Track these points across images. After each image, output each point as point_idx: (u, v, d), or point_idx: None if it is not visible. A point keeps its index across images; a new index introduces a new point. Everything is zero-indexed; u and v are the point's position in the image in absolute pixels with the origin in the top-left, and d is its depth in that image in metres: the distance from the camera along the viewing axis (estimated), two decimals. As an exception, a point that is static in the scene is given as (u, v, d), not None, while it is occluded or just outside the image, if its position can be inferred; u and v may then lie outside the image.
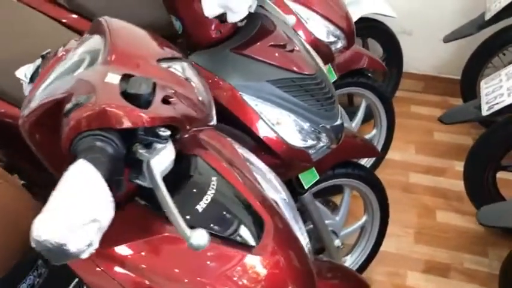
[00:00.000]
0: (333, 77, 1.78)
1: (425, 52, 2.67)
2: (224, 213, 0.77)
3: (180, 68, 0.72)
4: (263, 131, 1.13)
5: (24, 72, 0.87)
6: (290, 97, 1.15)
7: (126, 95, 0.57)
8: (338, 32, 1.62)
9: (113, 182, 0.54)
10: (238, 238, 0.73)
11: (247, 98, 1.10)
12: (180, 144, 0.84)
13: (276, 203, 0.91)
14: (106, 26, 0.67)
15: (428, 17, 2.55)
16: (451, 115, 1.69)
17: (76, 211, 0.48)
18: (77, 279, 0.93)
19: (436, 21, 2.52)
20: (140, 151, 0.59)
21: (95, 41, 0.68)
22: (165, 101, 0.60)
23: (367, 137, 2.14)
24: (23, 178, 1.22)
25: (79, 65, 0.67)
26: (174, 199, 0.77)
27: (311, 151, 1.22)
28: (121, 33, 0.67)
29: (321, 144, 1.24)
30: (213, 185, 0.78)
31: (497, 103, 1.52)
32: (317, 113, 1.19)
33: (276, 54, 1.15)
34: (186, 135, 0.74)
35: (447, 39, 2.18)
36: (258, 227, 0.81)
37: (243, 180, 0.84)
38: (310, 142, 1.20)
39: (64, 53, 0.76)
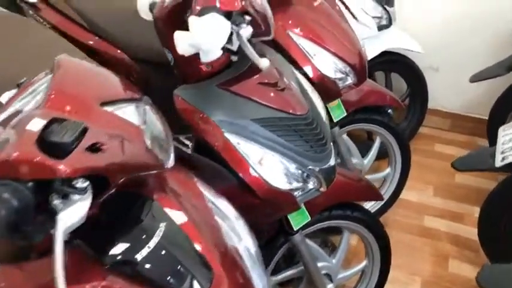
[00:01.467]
0: (341, 112, 1.73)
1: (453, 89, 2.57)
2: (168, 263, 0.74)
3: (132, 111, 0.71)
4: (244, 171, 1.09)
5: (7, 97, 0.89)
6: (276, 137, 1.11)
7: (45, 143, 0.55)
8: (347, 69, 1.56)
9: (17, 232, 0.52)
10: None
11: (229, 135, 1.07)
12: (137, 184, 0.82)
13: (237, 251, 0.87)
14: (56, 65, 0.67)
15: (457, 54, 2.46)
16: (464, 161, 1.60)
17: None
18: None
19: (465, 58, 2.43)
20: (55, 202, 0.57)
21: (47, 80, 0.68)
22: (94, 148, 0.59)
23: (380, 175, 2.07)
24: None
25: (29, 103, 0.67)
26: (117, 243, 0.74)
27: (297, 193, 1.17)
28: (69, 73, 0.66)
29: (309, 186, 1.19)
30: (160, 231, 0.76)
31: (511, 154, 1.42)
32: (305, 154, 1.15)
33: (264, 93, 1.12)
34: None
35: (473, 79, 2.08)
36: (208, 279, 0.77)
37: (198, 228, 0.81)
38: (295, 184, 1.15)
39: (29, 86, 0.76)
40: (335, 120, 1.72)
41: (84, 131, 0.58)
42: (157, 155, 0.72)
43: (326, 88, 1.55)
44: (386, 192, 2.06)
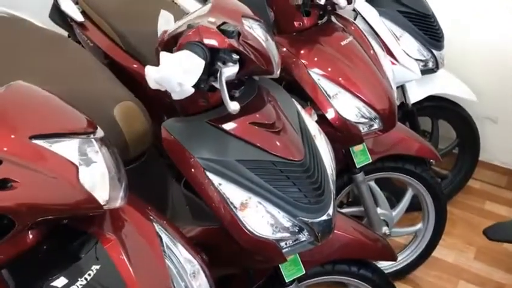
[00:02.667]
0: (366, 158, 1.62)
1: (513, 144, 2.33)
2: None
3: (73, 146, 0.68)
4: (223, 215, 1.03)
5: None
6: (262, 182, 1.04)
7: None
8: (372, 114, 1.46)
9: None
10: None
11: (211, 175, 1.02)
12: (85, 220, 0.80)
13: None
14: (6, 88, 0.66)
15: (519, 106, 2.23)
16: (497, 230, 1.42)
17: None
18: None
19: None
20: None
21: None
22: (2, 185, 0.56)
23: (410, 229, 1.90)
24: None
25: None
26: (42, 279, 0.72)
27: (283, 244, 1.09)
28: (10, 99, 0.65)
29: (300, 238, 1.10)
30: (89, 274, 0.72)
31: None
32: (296, 204, 1.06)
33: (256, 133, 1.06)
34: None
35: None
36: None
37: (137, 272, 0.76)
38: (281, 235, 1.07)
39: None
40: (358, 166, 1.61)
41: None
42: (93, 194, 0.69)
43: (346, 132, 1.46)
44: (416, 249, 1.89)
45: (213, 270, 1.31)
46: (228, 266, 1.33)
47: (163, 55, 0.84)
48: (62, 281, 0.71)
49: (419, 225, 1.87)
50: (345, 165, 1.65)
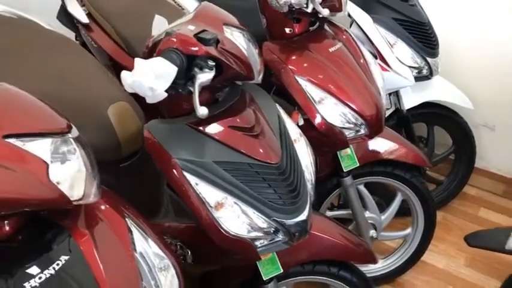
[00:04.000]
0: (353, 163, 1.66)
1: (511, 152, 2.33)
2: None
3: (45, 145, 0.74)
4: (200, 213, 1.08)
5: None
6: (238, 183, 1.08)
7: None
8: (358, 119, 1.49)
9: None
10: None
11: (188, 175, 1.07)
12: (60, 214, 0.85)
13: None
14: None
15: (517, 114, 2.23)
16: (477, 237, 1.44)
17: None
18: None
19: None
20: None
21: None
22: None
23: (399, 234, 1.93)
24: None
25: None
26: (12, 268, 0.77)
27: (258, 243, 1.13)
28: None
29: (275, 238, 1.15)
30: (58, 264, 0.78)
31: (525, 238, 1.26)
32: (270, 204, 1.11)
33: (234, 136, 1.11)
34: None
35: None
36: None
37: (106, 266, 0.81)
38: (255, 234, 1.11)
39: None
40: (345, 170, 1.64)
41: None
42: (62, 190, 0.74)
43: (332, 137, 1.50)
44: (405, 254, 1.91)
45: (195, 267, 1.37)
46: (209, 263, 1.38)
47: (137, 61, 0.90)
48: (34, 269, 0.77)
49: (408, 230, 1.90)
50: (334, 168, 1.69)
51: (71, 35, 2.15)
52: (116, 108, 1.46)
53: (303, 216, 1.16)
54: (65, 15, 2.15)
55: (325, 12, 1.40)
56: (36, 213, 0.83)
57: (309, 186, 1.24)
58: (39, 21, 1.92)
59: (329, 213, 1.86)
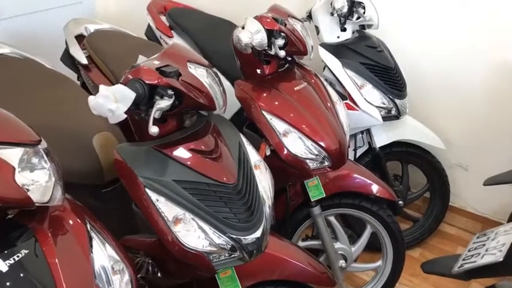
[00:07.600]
0: (319, 193, 1.77)
1: (486, 193, 2.39)
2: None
3: (15, 154, 0.88)
4: (159, 227, 1.20)
5: None
6: (195, 200, 1.20)
7: None
8: (321, 153, 1.62)
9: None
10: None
11: (150, 192, 1.20)
12: (27, 215, 0.98)
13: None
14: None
15: (490, 156, 2.32)
16: (432, 264, 1.51)
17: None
18: None
19: (498, 160, 2.25)
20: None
21: None
22: None
23: (369, 266, 2.00)
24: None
25: None
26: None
27: (213, 257, 1.23)
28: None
29: (232, 254, 1.25)
30: (18, 256, 0.90)
31: (469, 262, 1.34)
32: (225, 221, 1.22)
33: (194, 158, 1.24)
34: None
35: (487, 183, 1.96)
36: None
37: (65, 265, 0.93)
38: (210, 248, 1.22)
39: None
40: (312, 200, 1.75)
41: None
42: (26, 193, 0.88)
43: (296, 166, 1.62)
44: (375, 286, 1.97)
45: (164, 280, 1.46)
46: (175, 276, 1.47)
47: (101, 87, 1.05)
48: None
49: (379, 262, 1.97)
50: (304, 199, 1.80)
51: (74, 76, 2.36)
52: (101, 137, 1.62)
53: (257, 234, 1.26)
54: (67, 57, 2.37)
55: (281, 53, 1.57)
56: (4, 214, 0.96)
57: (267, 208, 1.34)
58: (43, 62, 2.13)
59: (302, 244, 1.95)
